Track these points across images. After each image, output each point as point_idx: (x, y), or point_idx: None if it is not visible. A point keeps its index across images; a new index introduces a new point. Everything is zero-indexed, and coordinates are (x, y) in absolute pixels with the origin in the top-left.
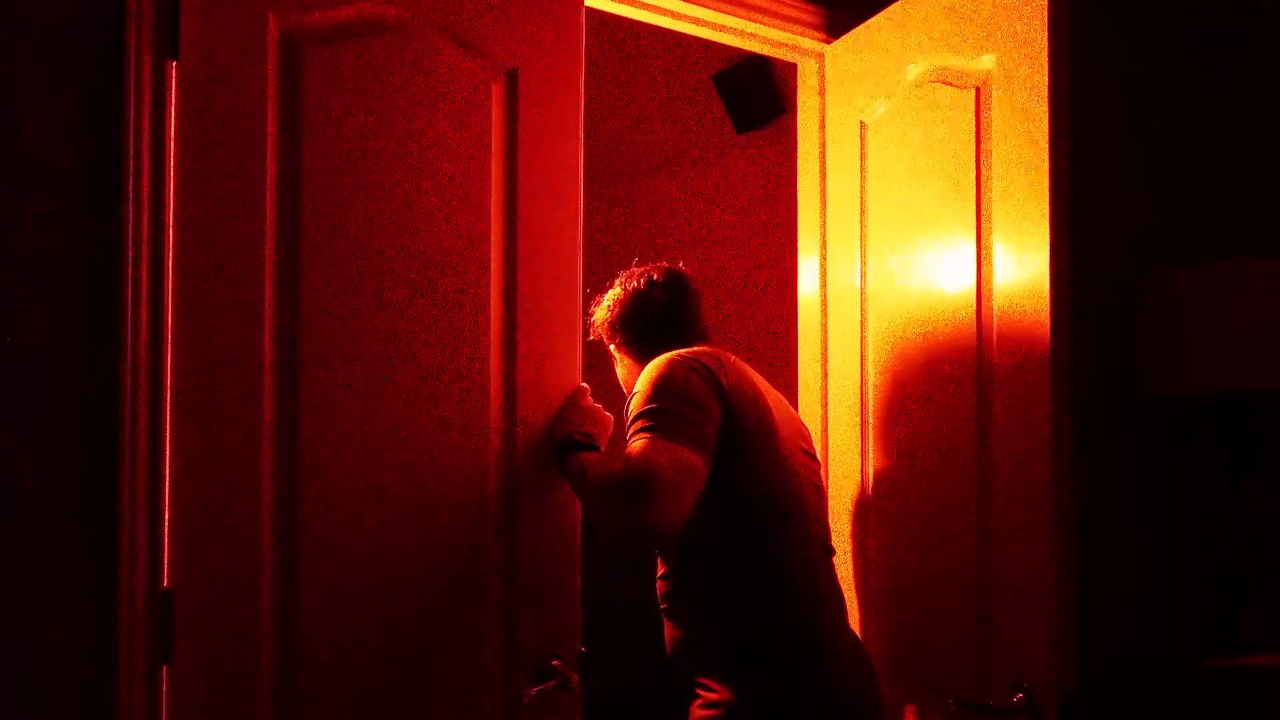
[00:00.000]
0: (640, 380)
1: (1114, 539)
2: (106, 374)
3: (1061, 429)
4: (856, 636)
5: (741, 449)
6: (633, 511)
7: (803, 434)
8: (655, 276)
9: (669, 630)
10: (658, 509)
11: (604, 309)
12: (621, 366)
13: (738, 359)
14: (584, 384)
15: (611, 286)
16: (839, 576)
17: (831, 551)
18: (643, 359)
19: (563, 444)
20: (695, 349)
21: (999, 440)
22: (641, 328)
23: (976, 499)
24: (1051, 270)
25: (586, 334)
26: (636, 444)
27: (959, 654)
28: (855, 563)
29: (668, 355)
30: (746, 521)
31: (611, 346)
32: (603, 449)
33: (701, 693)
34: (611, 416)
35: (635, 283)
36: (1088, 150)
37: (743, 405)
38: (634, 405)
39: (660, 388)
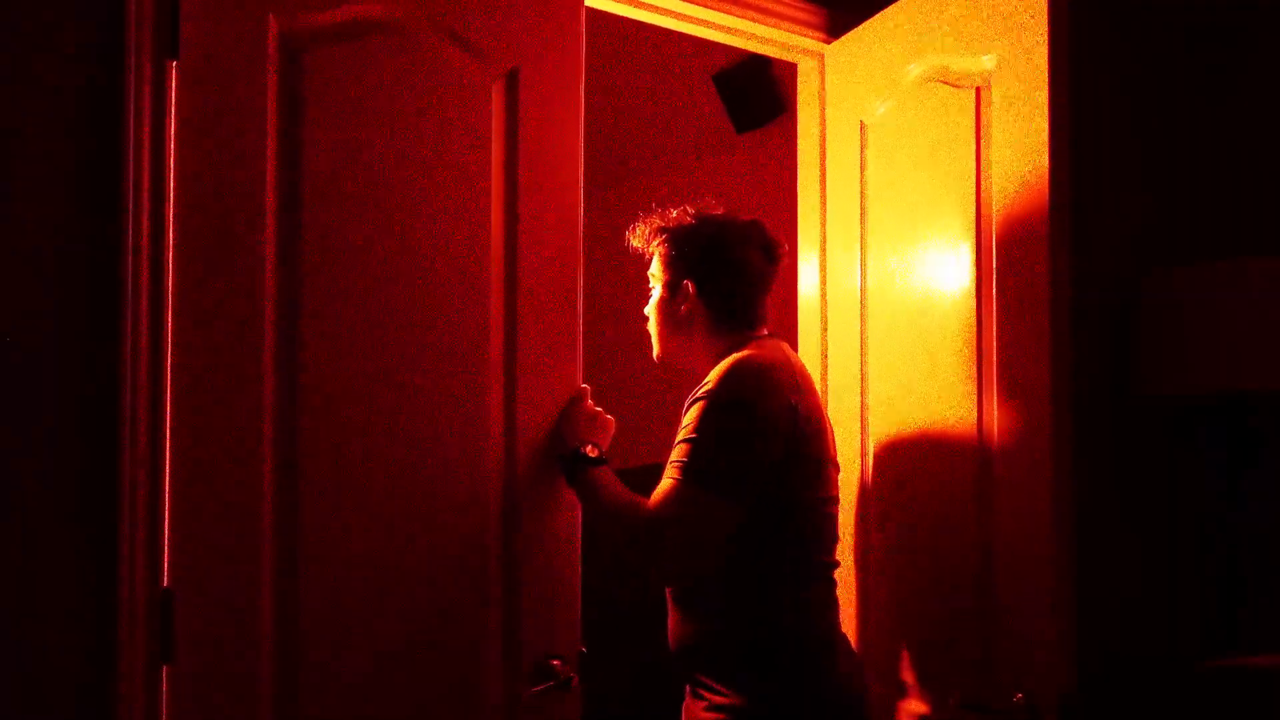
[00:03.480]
0: (714, 377)
1: (1114, 539)
2: (106, 374)
3: (1061, 429)
4: (847, 638)
5: (792, 470)
6: (646, 560)
7: (832, 443)
8: (768, 240)
9: (679, 623)
10: (670, 564)
11: (684, 243)
12: (678, 304)
13: (792, 352)
14: (585, 385)
15: (702, 212)
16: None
17: (837, 564)
18: (714, 315)
19: (570, 457)
20: (775, 358)
21: (999, 440)
22: (731, 290)
23: (976, 499)
24: (1051, 270)
25: (636, 247)
26: (668, 484)
27: (959, 653)
28: (855, 562)
29: (750, 363)
30: (779, 532)
31: (685, 281)
32: (605, 448)
33: (705, 694)
34: (613, 420)
35: (741, 238)
36: (1088, 150)
37: (807, 430)
38: (694, 414)
39: (724, 411)
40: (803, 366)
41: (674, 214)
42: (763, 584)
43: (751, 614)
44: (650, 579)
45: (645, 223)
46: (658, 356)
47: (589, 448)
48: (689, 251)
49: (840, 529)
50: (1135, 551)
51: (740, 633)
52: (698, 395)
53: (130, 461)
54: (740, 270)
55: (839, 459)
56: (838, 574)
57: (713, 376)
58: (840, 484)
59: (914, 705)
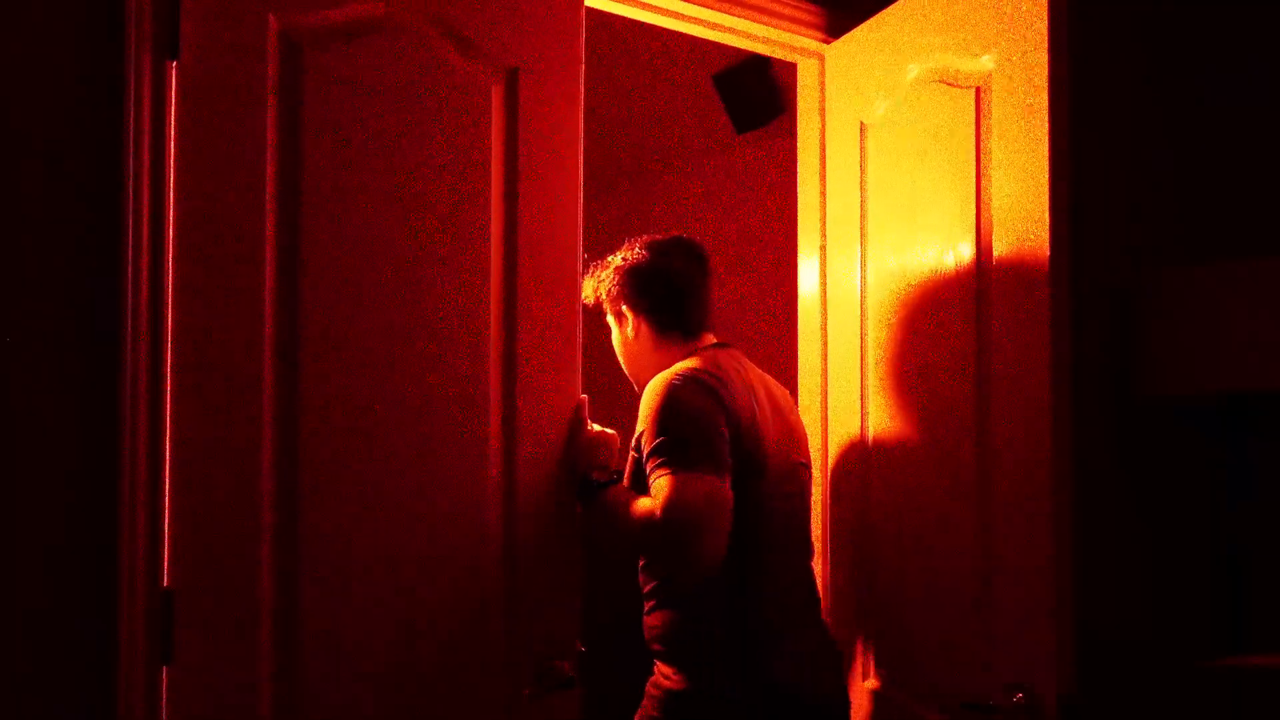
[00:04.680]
0: (645, 406)
1: (1114, 539)
2: (106, 374)
3: (1062, 429)
4: (824, 635)
5: (736, 461)
6: (681, 557)
7: (794, 441)
8: (680, 245)
9: (648, 614)
10: (703, 550)
11: (612, 273)
12: (628, 329)
13: (733, 359)
14: (584, 396)
15: (625, 247)
16: (842, 577)
17: (809, 554)
18: (656, 327)
19: (580, 488)
20: (697, 364)
21: (999, 441)
22: (662, 298)
23: (977, 500)
24: (1051, 270)
25: (589, 302)
26: (662, 482)
27: (959, 653)
28: (856, 562)
29: (669, 375)
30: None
31: (623, 307)
32: (614, 466)
33: (659, 677)
34: (615, 434)
35: (662, 253)
36: (1088, 150)
37: (739, 430)
38: (647, 437)
39: (671, 414)
40: (743, 369)
41: (602, 261)
42: (719, 578)
43: (705, 606)
44: (681, 578)
45: (587, 279)
46: (636, 385)
47: (596, 471)
48: (619, 282)
49: (839, 527)
50: (1136, 551)
51: (694, 623)
52: (641, 430)
53: (130, 461)
54: (668, 283)
55: (834, 458)
56: (841, 573)
57: (642, 410)
58: (838, 483)
59: (914, 704)
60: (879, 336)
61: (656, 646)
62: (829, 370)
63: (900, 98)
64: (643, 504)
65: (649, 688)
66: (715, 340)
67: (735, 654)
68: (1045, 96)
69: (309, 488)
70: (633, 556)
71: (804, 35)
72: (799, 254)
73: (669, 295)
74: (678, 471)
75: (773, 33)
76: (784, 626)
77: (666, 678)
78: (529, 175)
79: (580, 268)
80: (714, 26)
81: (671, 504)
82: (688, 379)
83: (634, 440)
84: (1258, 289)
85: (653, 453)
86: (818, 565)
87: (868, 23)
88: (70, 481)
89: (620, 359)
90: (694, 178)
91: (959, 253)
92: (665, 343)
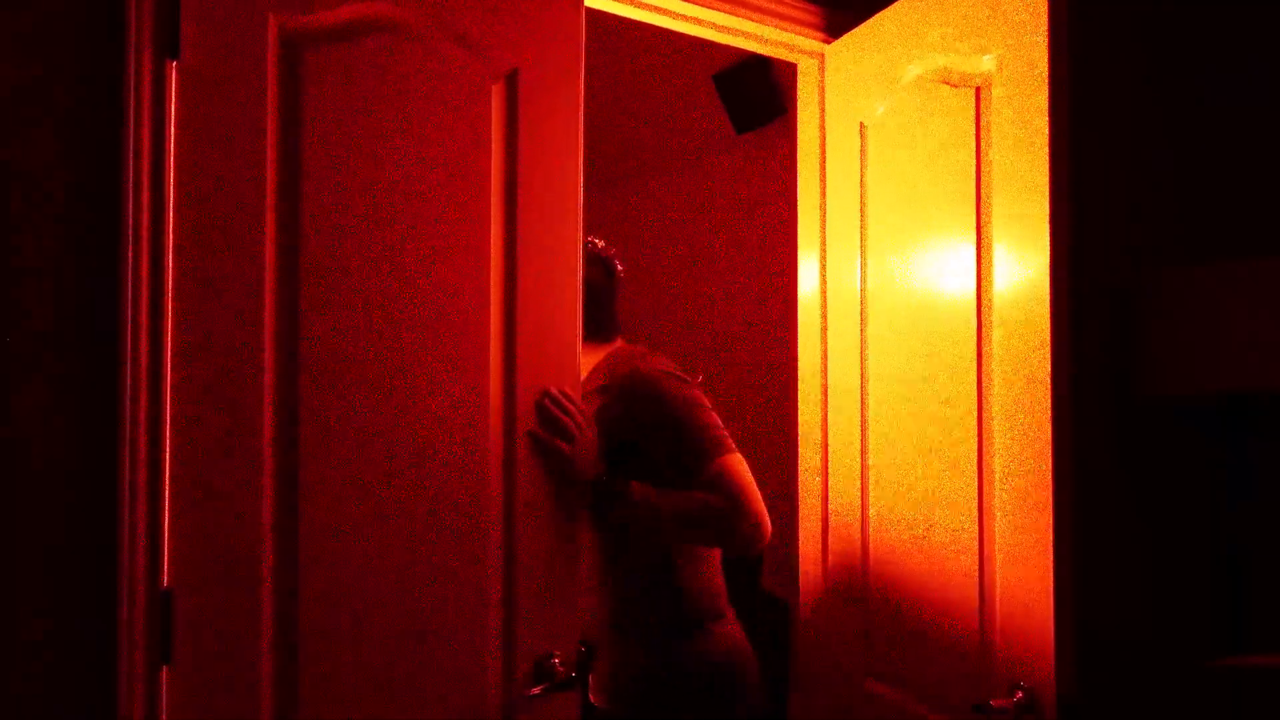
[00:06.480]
0: (652, 403)
1: (1115, 539)
2: (106, 374)
3: (1062, 429)
4: (732, 628)
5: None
6: (760, 531)
7: None
8: (604, 258)
9: (601, 603)
10: (768, 520)
11: None
12: None
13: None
14: (548, 392)
15: None
16: (841, 575)
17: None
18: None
19: (596, 490)
20: (667, 364)
21: (999, 440)
22: (587, 310)
23: (976, 499)
24: (1051, 270)
25: None
26: (722, 470)
27: (959, 653)
28: (855, 560)
29: (656, 375)
30: None
31: None
32: (593, 453)
33: (615, 659)
34: (584, 426)
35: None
36: (1088, 149)
37: None
38: (669, 432)
39: (691, 406)
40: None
41: None
42: (667, 565)
43: (647, 591)
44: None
45: None
46: None
47: (604, 475)
48: None
49: (838, 525)
50: (1136, 551)
51: (637, 607)
52: (642, 426)
53: (130, 461)
54: (590, 295)
55: (833, 457)
56: (841, 571)
57: (642, 407)
58: (838, 482)
59: (914, 704)
60: (879, 335)
61: (618, 634)
62: (829, 369)
63: (900, 98)
64: (693, 495)
65: (603, 671)
66: (622, 341)
67: (676, 633)
68: (1045, 96)
69: (308, 487)
70: (690, 545)
71: (804, 35)
72: (799, 254)
73: (592, 306)
74: (727, 455)
75: (773, 33)
76: (718, 606)
77: (630, 658)
78: (529, 175)
79: (580, 267)
80: (714, 26)
81: (742, 487)
82: (674, 375)
83: (617, 434)
84: (1258, 289)
85: (689, 443)
86: (814, 561)
87: (868, 23)
88: (70, 481)
89: None
90: (694, 178)
91: (959, 252)
92: (586, 348)
